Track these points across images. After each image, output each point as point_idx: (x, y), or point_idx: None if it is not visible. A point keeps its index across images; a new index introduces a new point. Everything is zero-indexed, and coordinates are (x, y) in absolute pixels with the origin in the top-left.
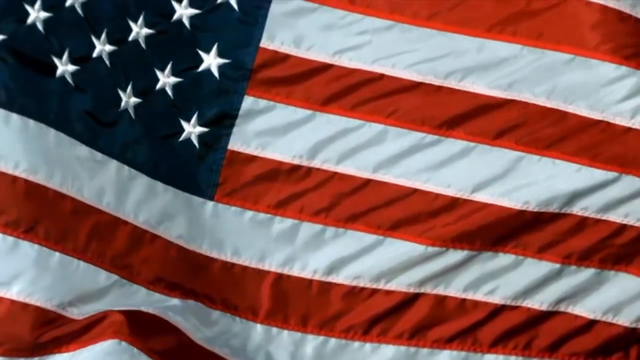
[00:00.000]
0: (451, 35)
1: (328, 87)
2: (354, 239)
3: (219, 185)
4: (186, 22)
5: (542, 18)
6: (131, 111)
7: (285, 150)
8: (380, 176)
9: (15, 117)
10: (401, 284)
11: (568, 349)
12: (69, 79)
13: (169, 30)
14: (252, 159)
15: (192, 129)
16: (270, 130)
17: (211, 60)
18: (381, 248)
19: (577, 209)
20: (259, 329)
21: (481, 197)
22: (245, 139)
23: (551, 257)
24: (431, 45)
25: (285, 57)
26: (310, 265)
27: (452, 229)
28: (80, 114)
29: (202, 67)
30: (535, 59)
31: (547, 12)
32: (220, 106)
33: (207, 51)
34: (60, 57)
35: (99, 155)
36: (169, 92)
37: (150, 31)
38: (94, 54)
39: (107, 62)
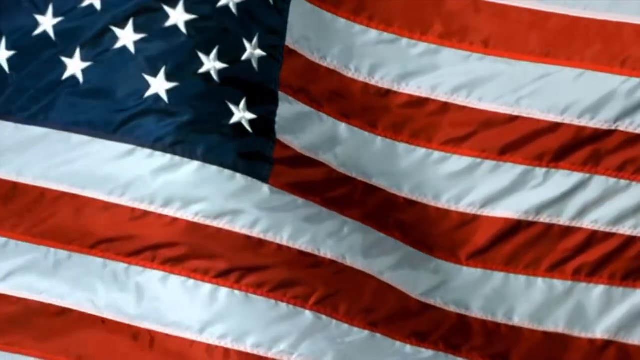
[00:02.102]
0: (456, 51)
1: (348, 100)
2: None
3: (272, 171)
4: (233, 8)
5: (549, 35)
6: (163, 95)
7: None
8: (394, 191)
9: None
10: (428, 299)
11: None
12: (80, 77)
13: (215, 16)
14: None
15: (242, 114)
16: (301, 133)
17: (252, 51)
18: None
19: (588, 222)
20: (307, 315)
21: (490, 211)
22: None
23: (561, 275)
24: (436, 62)
25: (301, 58)
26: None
27: (463, 245)
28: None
29: (244, 57)
30: (543, 75)
31: (554, 29)
32: (262, 96)
33: (250, 41)
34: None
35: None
36: (214, 76)
37: (192, 17)
38: (115, 46)
39: (133, 50)
